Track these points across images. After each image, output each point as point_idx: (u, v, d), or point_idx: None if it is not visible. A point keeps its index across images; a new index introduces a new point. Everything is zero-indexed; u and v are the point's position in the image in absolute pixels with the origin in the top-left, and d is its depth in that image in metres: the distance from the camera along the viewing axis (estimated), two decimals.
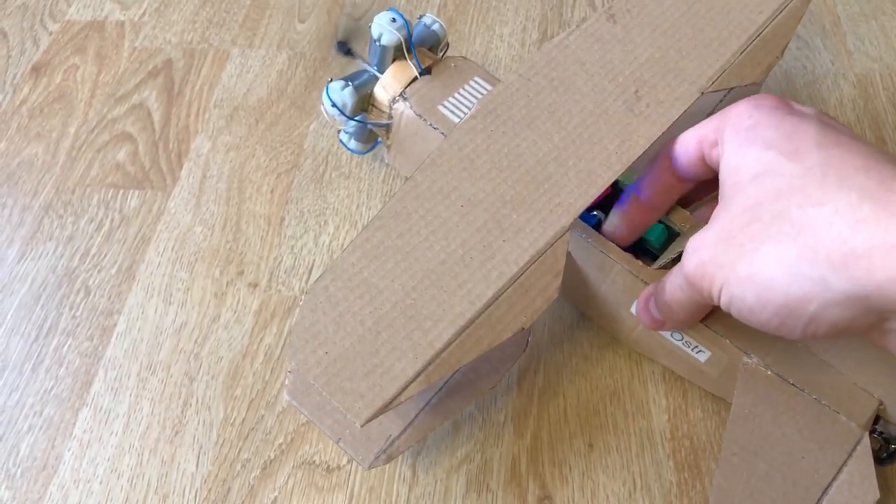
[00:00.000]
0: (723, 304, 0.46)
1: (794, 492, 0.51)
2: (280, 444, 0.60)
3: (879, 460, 0.56)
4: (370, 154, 0.76)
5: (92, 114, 0.84)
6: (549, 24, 0.90)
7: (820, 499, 0.50)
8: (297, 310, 0.48)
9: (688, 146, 0.52)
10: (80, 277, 0.71)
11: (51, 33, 0.93)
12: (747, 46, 0.61)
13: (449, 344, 0.47)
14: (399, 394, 0.45)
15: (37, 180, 0.78)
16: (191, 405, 0.63)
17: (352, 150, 0.73)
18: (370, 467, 0.53)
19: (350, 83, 0.65)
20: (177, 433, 0.61)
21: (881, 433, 0.55)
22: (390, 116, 0.67)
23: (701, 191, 0.59)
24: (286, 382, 0.56)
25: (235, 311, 0.68)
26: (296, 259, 0.71)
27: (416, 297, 0.48)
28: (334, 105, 0.65)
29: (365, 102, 0.67)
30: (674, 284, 0.50)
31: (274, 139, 0.80)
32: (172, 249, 0.72)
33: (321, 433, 0.60)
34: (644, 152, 0.56)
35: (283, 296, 0.69)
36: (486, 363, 0.55)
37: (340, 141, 0.73)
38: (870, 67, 0.84)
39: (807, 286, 0.40)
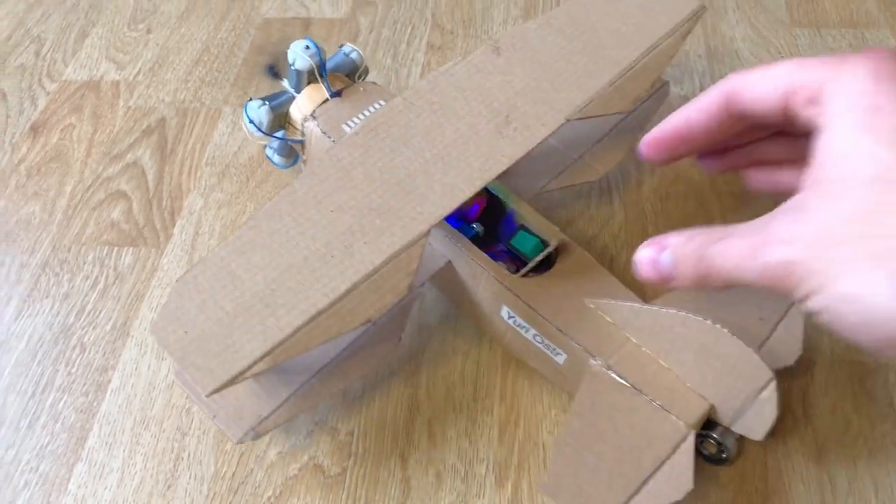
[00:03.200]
0: (808, 308, 0.39)
1: (617, 481, 0.54)
2: (269, 498, 0.62)
3: (716, 461, 0.60)
4: None
5: (88, 172, 0.87)
6: None
7: (639, 488, 0.54)
8: (169, 293, 0.53)
9: (765, 91, 0.45)
10: (76, 334, 0.73)
11: (48, 93, 0.96)
12: (617, 80, 0.67)
13: (298, 330, 0.51)
14: (245, 371, 0.50)
15: (34, 238, 0.81)
16: (183, 459, 0.64)
17: (276, 164, 0.77)
18: (238, 442, 0.57)
19: (267, 102, 0.72)
20: (169, 487, 0.63)
21: (717, 439, 0.59)
22: (303, 134, 0.73)
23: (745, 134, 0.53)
24: (174, 364, 0.62)
25: None
26: None
27: (275, 287, 0.53)
28: (251, 122, 0.72)
29: (283, 120, 0.74)
30: (736, 256, 0.42)
31: (264, 196, 0.83)
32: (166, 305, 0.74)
33: (309, 486, 0.62)
34: (504, 169, 0.61)
35: None
36: (358, 356, 0.61)
37: (267, 156, 0.78)
38: None
39: None
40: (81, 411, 0.68)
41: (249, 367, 0.50)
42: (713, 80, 0.92)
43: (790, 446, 0.63)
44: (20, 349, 0.72)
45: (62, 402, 0.68)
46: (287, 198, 0.57)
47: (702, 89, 0.88)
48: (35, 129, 0.91)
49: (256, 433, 0.57)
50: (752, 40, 0.98)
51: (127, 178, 0.86)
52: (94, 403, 0.68)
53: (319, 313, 0.52)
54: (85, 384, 0.69)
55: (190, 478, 0.63)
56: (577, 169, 0.74)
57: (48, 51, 1.01)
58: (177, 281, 0.54)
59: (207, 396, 0.49)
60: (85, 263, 0.78)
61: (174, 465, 0.64)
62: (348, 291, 0.53)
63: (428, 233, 0.57)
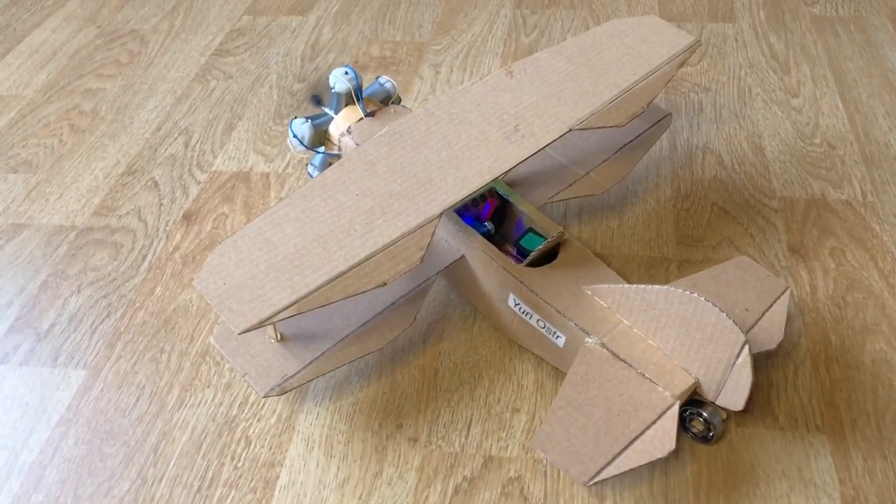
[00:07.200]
0: None
1: (605, 440, 0.60)
2: None
3: (705, 440, 0.66)
4: None
5: None
6: None
7: (626, 447, 0.60)
8: (211, 253, 0.61)
9: None
10: (241, 426, 0.71)
11: (199, 182, 0.98)
12: (616, 98, 0.76)
13: (321, 286, 0.60)
14: (272, 316, 0.58)
15: (192, 326, 0.80)
16: None
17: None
18: (265, 396, 0.66)
19: (309, 120, 0.84)
20: None
21: (706, 418, 0.65)
22: (339, 148, 0.83)
23: None
24: (214, 331, 0.69)
25: (397, 467, 0.67)
26: (453, 413, 0.71)
27: (303, 252, 0.62)
28: (295, 136, 0.82)
29: (322, 138, 0.85)
30: None
31: None
32: (330, 400, 0.72)
33: None
34: (511, 168, 0.69)
35: (444, 452, 0.68)
36: (376, 330, 0.70)
37: (308, 172, 0.86)
38: None
39: None
40: None
41: (276, 313, 0.58)
42: (873, 186, 0.90)
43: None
44: (184, 440, 0.70)
45: (230, 499, 0.66)
46: (319, 182, 0.67)
47: (863, 195, 0.86)
48: (188, 218, 0.92)
49: (282, 389, 0.66)
50: None
51: None
52: (263, 502, 0.65)
53: (340, 274, 0.61)
54: (252, 480, 0.67)
55: None
56: (583, 184, 0.83)
57: (197, 142, 1.04)
58: (220, 244, 0.62)
59: (240, 334, 0.58)
60: None
61: None
62: (367, 258, 0.62)
63: (440, 216, 0.65)
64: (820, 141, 0.98)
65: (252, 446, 0.69)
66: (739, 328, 0.59)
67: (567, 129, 0.72)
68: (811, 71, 1.11)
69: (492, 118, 0.72)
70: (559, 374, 0.72)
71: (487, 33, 1.24)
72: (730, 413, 0.66)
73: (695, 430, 0.66)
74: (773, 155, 0.96)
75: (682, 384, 0.63)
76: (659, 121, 0.89)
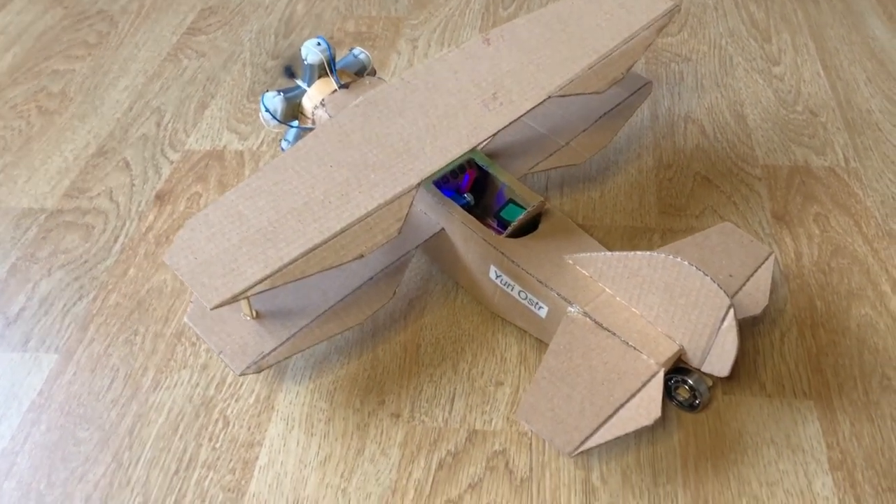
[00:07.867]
0: None
1: (590, 409, 0.59)
2: None
3: (691, 408, 0.66)
4: None
5: None
6: None
7: (611, 415, 0.59)
8: (181, 228, 0.60)
9: None
10: (218, 407, 0.69)
11: (172, 162, 0.95)
12: (595, 64, 0.76)
13: (296, 259, 0.59)
14: (246, 290, 0.57)
15: (167, 307, 0.78)
16: None
17: None
18: (241, 374, 0.64)
19: (281, 93, 0.82)
20: None
21: (691, 385, 0.64)
22: (313, 122, 0.81)
23: None
24: (188, 309, 0.67)
25: (380, 444, 0.66)
26: (436, 388, 0.69)
27: (277, 225, 0.61)
28: (267, 110, 0.80)
29: (296, 111, 0.83)
30: None
31: None
32: (310, 378, 0.71)
33: None
34: (490, 136, 0.69)
35: (427, 427, 0.66)
36: (354, 306, 0.68)
37: (281, 148, 0.86)
38: None
39: None
40: (229, 490, 0.63)
41: (250, 287, 0.57)
42: (856, 152, 0.89)
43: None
44: (160, 422, 0.68)
45: (208, 480, 0.64)
46: (292, 154, 0.65)
47: (846, 161, 0.85)
48: (161, 198, 0.90)
49: (258, 367, 0.64)
50: (890, 112, 0.96)
51: None
52: (243, 482, 0.64)
53: (315, 247, 0.60)
54: (231, 461, 0.65)
55: None
56: (564, 153, 0.81)
57: (169, 121, 1.02)
58: (190, 218, 0.60)
59: (212, 309, 0.56)
60: None
61: None
62: (342, 230, 0.61)
63: (418, 185, 0.64)
64: (802, 108, 0.97)
65: (230, 427, 0.68)
66: (724, 292, 0.58)
67: (546, 96, 0.71)
68: (792, 39, 1.10)
69: (469, 86, 0.71)
70: (542, 345, 0.71)
71: (465, 7, 1.22)
72: (716, 380, 0.65)
73: (681, 398, 0.65)
74: (755, 123, 0.95)
75: (667, 351, 0.62)
76: (639, 89, 0.88)
